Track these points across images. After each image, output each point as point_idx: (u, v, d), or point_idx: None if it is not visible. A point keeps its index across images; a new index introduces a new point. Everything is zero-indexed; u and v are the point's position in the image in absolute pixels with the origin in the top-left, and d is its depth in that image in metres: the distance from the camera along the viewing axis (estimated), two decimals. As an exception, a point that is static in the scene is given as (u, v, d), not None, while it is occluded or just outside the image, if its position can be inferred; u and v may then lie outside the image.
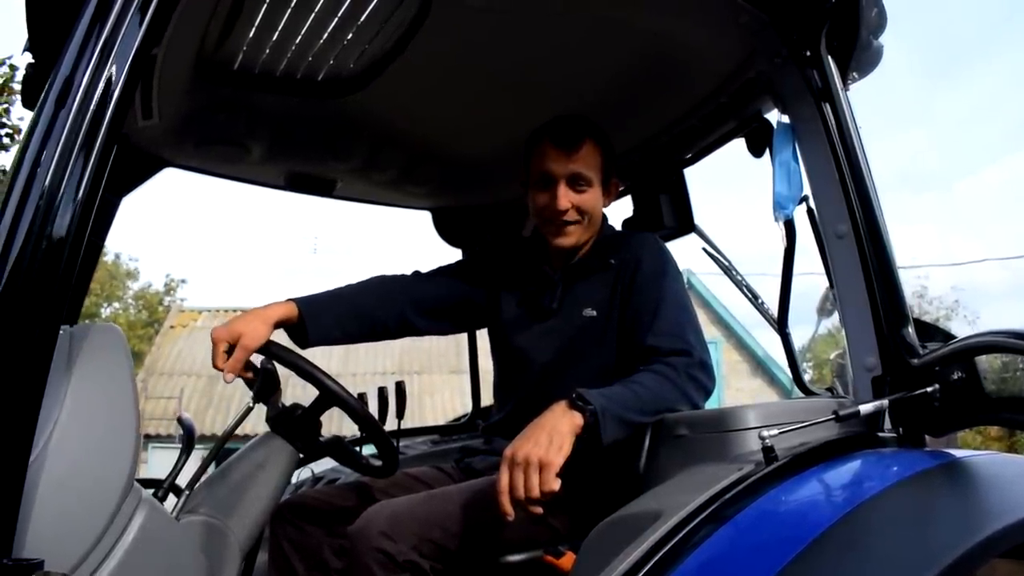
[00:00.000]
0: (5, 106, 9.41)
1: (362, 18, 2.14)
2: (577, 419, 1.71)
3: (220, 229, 56.78)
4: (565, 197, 2.08)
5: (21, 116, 9.48)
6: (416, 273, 2.32)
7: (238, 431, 2.05)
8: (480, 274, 2.33)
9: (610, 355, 2.06)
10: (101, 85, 1.19)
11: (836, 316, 2.03)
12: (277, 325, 2.01)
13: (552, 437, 1.66)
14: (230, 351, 1.91)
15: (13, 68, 9.30)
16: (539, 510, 1.64)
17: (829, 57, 1.94)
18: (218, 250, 55.37)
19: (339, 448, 2.11)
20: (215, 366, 1.90)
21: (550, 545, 1.82)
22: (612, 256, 2.12)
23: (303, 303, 2.07)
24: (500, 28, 2.14)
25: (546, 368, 2.12)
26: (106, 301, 31.15)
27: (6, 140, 9.45)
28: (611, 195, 2.21)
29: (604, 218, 2.26)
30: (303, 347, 2.06)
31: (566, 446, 1.66)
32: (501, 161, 2.75)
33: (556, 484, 1.62)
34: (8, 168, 8.66)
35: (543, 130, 2.14)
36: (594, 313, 2.09)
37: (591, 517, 1.75)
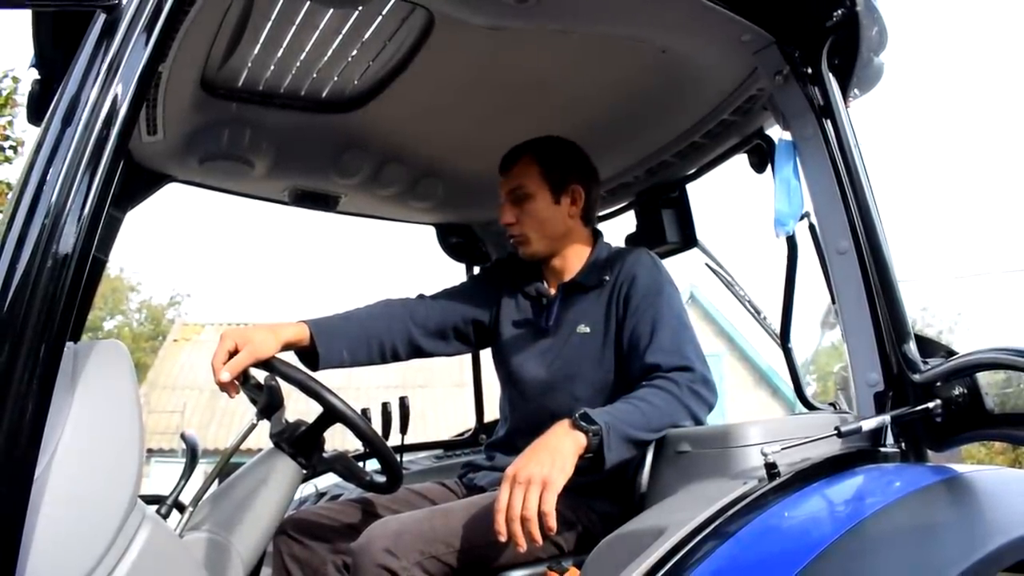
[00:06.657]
0: (9, 119, 9.41)
1: (366, 36, 2.15)
2: (580, 439, 1.70)
3: (224, 244, 56.99)
4: (507, 211, 2.21)
5: (24, 128, 9.49)
6: (422, 296, 2.32)
7: (242, 445, 2.05)
8: (484, 294, 2.34)
9: (608, 371, 2.06)
10: (107, 103, 1.20)
11: (839, 329, 2.03)
12: (288, 345, 2.01)
13: (555, 458, 1.65)
14: (233, 354, 1.88)
15: (16, 80, 9.32)
16: (536, 534, 1.60)
17: (830, 74, 1.95)
18: (222, 264, 55.55)
19: (342, 464, 2.10)
20: (213, 362, 1.87)
21: (554, 561, 1.81)
22: (606, 273, 2.13)
23: (315, 326, 2.06)
24: (503, 46, 2.15)
25: (544, 386, 2.13)
26: (109, 314, 31.16)
27: (10, 152, 9.45)
28: (575, 203, 2.20)
29: (598, 236, 2.27)
30: (313, 370, 2.05)
31: (568, 466, 1.66)
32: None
33: (554, 504, 1.60)
34: (12, 181, 8.70)
35: None
36: (588, 330, 2.09)
37: (594, 533, 1.75)
